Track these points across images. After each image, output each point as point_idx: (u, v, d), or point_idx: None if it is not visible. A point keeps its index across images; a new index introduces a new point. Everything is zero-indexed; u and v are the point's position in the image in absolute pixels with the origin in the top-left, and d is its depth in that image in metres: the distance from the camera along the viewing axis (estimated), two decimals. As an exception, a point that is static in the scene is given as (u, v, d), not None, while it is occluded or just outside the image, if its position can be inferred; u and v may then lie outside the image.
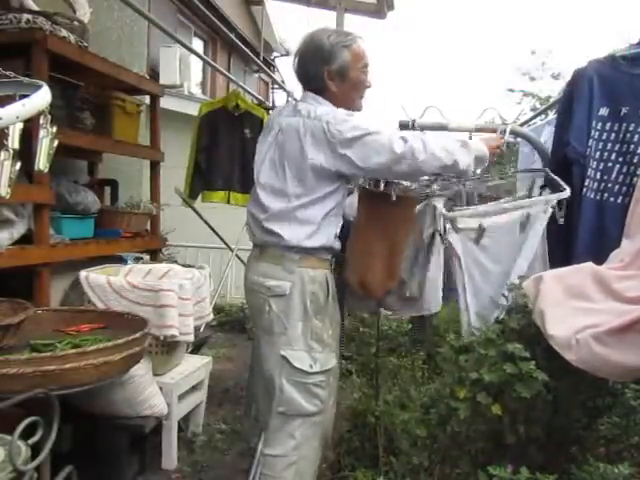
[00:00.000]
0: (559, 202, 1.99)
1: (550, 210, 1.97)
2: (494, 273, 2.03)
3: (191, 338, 2.41)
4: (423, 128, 2.45)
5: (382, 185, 2.03)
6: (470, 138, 2.17)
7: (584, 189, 2.12)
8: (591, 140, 2.12)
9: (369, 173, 1.85)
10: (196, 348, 3.08)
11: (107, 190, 3.24)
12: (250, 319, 1.91)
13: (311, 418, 1.75)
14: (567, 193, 1.96)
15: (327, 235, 1.79)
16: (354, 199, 2.26)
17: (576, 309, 1.44)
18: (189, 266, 2.80)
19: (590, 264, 1.60)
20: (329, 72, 1.77)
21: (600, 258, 1.74)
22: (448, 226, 1.96)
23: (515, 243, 2.02)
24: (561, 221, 2.01)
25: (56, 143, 1.37)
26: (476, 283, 2.03)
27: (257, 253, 1.84)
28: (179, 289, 2.33)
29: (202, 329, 2.71)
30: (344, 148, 1.67)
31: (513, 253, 2.01)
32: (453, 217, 1.95)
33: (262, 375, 1.84)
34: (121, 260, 2.91)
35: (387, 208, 2.06)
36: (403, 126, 2.48)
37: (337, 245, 1.87)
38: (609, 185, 2.12)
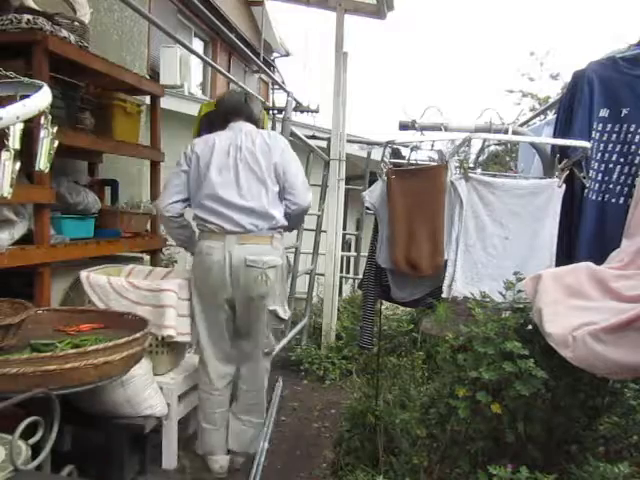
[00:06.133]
0: (578, 163, 2.09)
1: (563, 181, 2.09)
2: (489, 232, 2.07)
3: (189, 338, 2.40)
4: (423, 128, 2.46)
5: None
6: (470, 139, 2.19)
7: (585, 190, 2.13)
8: (592, 141, 2.12)
9: None
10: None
11: (107, 190, 3.24)
12: (233, 289, 2.27)
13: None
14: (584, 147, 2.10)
15: None
16: (375, 187, 2.36)
17: (574, 307, 1.44)
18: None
19: (588, 263, 1.60)
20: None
21: (601, 258, 1.74)
22: (459, 175, 2.10)
23: (524, 211, 2.07)
24: (585, 182, 2.11)
25: (56, 143, 1.37)
26: (469, 238, 2.07)
27: (240, 238, 2.25)
28: (178, 289, 2.33)
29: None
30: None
31: (519, 220, 2.07)
32: (466, 167, 2.13)
33: (249, 333, 2.35)
34: (122, 260, 2.91)
35: (419, 183, 2.21)
36: (403, 126, 2.49)
37: None
38: (610, 186, 2.12)
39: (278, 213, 2.28)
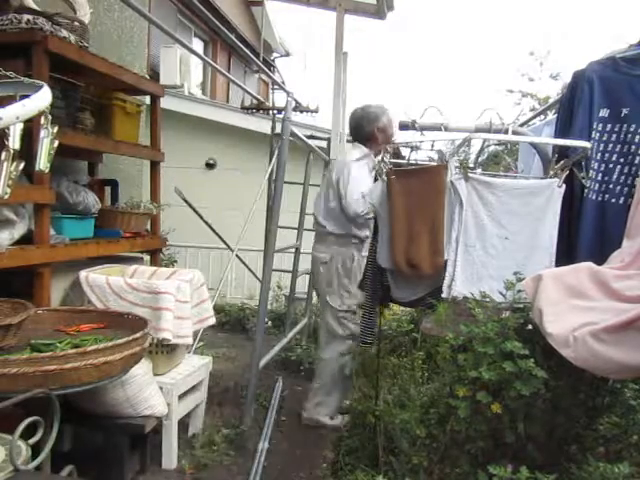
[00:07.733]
0: (578, 163, 2.07)
1: (562, 181, 2.07)
2: (489, 232, 2.07)
3: (189, 341, 2.40)
4: (423, 128, 2.46)
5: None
6: (469, 139, 2.19)
7: (585, 190, 2.12)
8: (592, 141, 2.12)
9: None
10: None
11: (107, 190, 3.24)
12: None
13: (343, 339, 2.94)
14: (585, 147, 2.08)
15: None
16: (375, 187, 2.36)
17: (574, 307, 1.44)
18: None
19: (589, 264, 1.60)
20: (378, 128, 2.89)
21: (601, 258, 1.74)
22: (459, 175, 2.07)
23: (524, 211, 2.07)
24: (584, 182, 2.09)
25: (57, 143, 1.37)
26: (469, 238, 2.07)
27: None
28: (177, 291, 2.32)
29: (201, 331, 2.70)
30: None
31: (519, 220, 2.07)
32: (465, 167, 2.10)
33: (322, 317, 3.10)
34: (122, 260, 2.91)
35: (419, 183, 2.19)
36: (403, 126, 2.49)
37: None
38: (610, 186, 2.12)
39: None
